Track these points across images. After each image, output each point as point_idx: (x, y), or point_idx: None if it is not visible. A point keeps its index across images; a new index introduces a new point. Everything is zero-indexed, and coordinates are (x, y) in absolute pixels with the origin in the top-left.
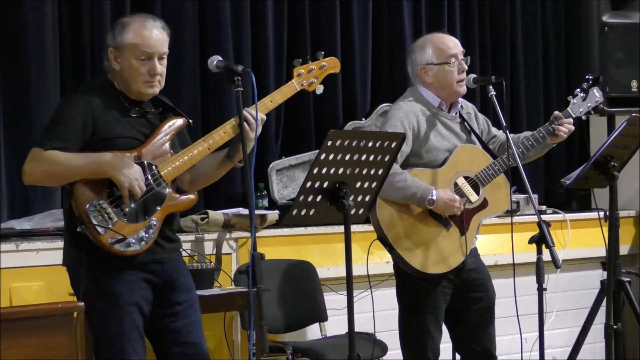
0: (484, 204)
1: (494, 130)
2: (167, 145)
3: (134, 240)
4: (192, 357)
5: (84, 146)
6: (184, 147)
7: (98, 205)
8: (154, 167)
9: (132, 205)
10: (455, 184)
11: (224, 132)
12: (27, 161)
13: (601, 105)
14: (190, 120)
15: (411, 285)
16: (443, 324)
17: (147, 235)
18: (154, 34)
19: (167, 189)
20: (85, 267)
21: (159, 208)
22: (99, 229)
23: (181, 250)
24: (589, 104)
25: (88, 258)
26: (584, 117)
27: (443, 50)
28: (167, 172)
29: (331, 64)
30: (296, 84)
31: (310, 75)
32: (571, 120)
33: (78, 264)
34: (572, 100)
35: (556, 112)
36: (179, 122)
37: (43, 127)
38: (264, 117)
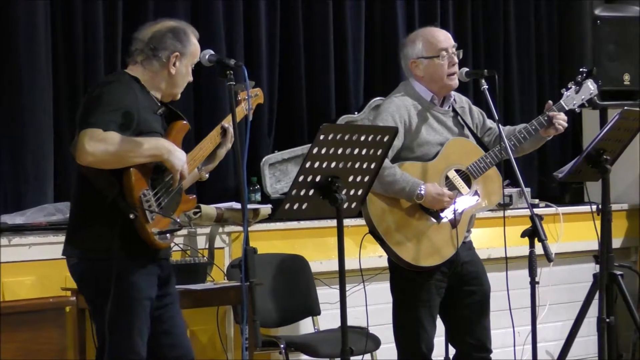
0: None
1: (489, 122)
2: (180, 146)
3: (168, 234)
4: (179, 347)
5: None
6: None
7: (148, 194)
8: None
9: (166, 199)
10: (447, 177)
11: (218, 136)
12: (86, 140)
13: (595, 98)
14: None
15: (404, 278)
16: (438, 317)
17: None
18: None
19: (181, 189)
20: (111, 258)
21: (177, 205)
22: (148, 217)
23: None
24: (583, 97)
25: (115, 249)
26: (577, 110)
27: (433, 43)
28: None
29: (260, 95)
30: (244, 108)
31: (250, 101)
32: (562, 113)
33: (105, 256)
34: (565, 92)
35: (549, 102)
36: (186, 126)
37: (88, 110)
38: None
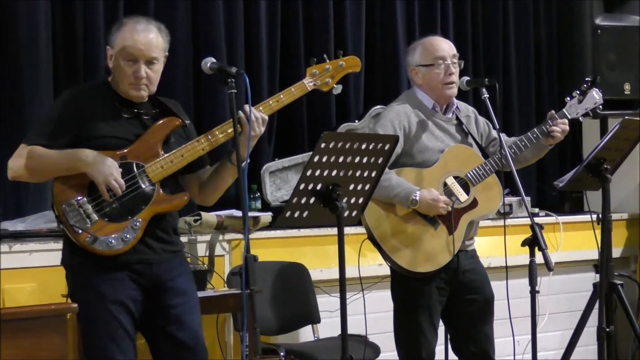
0: (473, 204)
1: (494, 133)
2: (157, 145)
3: (113, 241)
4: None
5: (70, 145)
6: None
7: (76, 204)
8: (140, 166)
9: (114, 205)
10: (445, 184)
11: (220, 133)
12: (12, 157)
13: (599, 107)
14: (187, 121)
15: (405, 284)
16: (441, 326)
17: (128, 235)
18: (142, 37)
19: (155, 189)
20: (72, 265)
21: (144, 207)
22: (75, 229)
23: (179, 252)
24: (587, 106)
25: (74, 256)
26: (581, 119)
27: (430, 51)
28: (154, 171)
29: (350, 63)
30: (307, 83)
31: (326, 75)
32: (566, 120)
33: (68, 262)
34: (568, 101)
35: (551, 112)
36: (171, 122)
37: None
38: (266, 117)
